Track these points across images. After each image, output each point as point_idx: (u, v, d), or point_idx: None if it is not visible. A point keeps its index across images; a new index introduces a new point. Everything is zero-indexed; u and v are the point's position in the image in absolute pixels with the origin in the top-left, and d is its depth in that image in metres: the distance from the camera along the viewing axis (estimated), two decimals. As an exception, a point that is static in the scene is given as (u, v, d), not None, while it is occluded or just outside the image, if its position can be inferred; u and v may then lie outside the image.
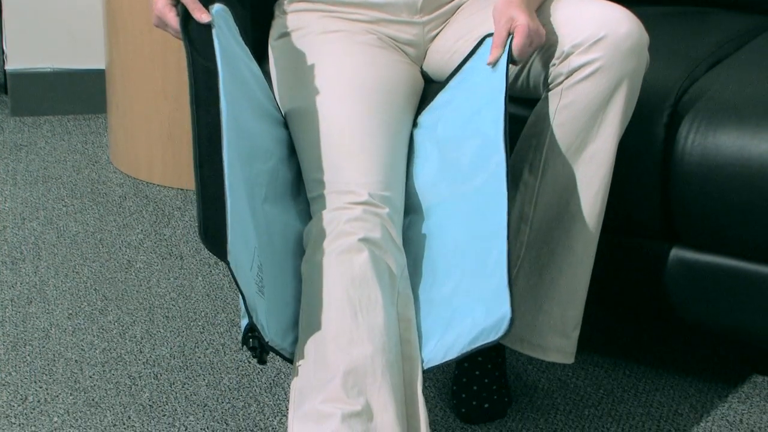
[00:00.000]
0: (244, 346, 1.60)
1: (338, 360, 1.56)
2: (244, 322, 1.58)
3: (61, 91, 3.31)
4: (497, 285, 1.55)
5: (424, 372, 1.62)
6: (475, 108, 1.72)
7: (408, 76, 1.86)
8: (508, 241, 1.55)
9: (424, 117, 1.85)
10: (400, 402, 1.57)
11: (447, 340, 1.61)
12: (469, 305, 1.60)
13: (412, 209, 1.79)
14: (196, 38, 1.67)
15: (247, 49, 1.81)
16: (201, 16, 1.65)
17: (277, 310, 1.67)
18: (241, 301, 1.56)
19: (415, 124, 1.85)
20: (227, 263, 1.49)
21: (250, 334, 1.58)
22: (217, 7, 1.72)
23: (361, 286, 1.61)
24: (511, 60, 1.68)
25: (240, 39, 1.79)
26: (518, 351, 1.87)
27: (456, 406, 1.93)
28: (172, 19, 1.67)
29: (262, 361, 1.61)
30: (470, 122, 1.72)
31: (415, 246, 1.75)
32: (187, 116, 2.75)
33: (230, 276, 1.65)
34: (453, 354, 1.58)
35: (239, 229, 1.56)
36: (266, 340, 1.59)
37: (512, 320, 1.50)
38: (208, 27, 1.67)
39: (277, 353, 1.66)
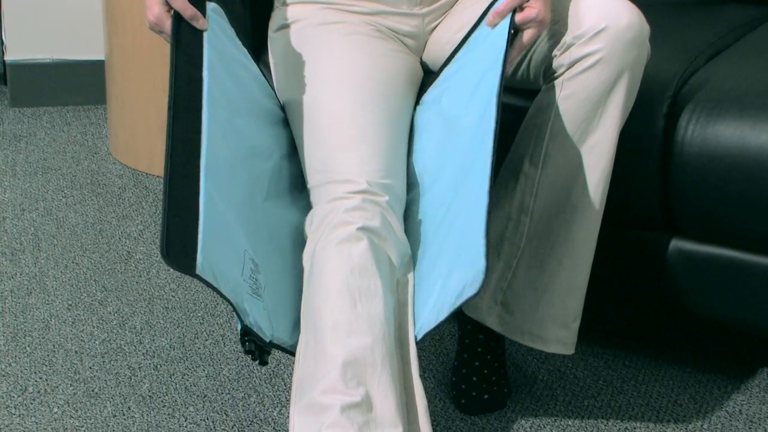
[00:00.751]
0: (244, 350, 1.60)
1: (337, 350, 1.56)
2: (239, 325, 1.57)
3: (60, 82, 3.30)
4: (475, 239, 1.54)
5: (417, 343, 1.61)
6: (480, 75, 1.70)
7: (407, 66, 1.86)
8: (489, 194, 1.53)
9: (429, 94, 1.84)
10: (399, 391, 1.57)
11: (437, 303, 1.60)
12: (453, 264, 1.59)
13: (414, 185, 1.78)
14: (186, 44, 1.63)
15: (245, 49, 1.80)
16: (200, 22, 1.65)
17: (282, 308, 1.67)
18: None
19: (418, 103, 1.84)
20: (195, 277, 1.47)
21: (246, 338, 1.57)
22: (211, 6, 1.70)
23: (360, 276, 1.60)
24: (513, 26, 1.65)
25: (236, 39, 1.78)
26: (518, 342, 1.87)
27: (455, 397, 1.93)
28: (169, 27, 1.65)
29: (263, 362, 1.61)
30: (476, 89, 1.70)
31: (415, 222, 1.74)
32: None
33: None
34: (443, 315, 1.57)
35: (221, 236, 1.55)
36: (267, 339, 1.59)
37: (486, 270, 1.49)
38: (200, 32, 1.65)
39: (285, 350, 1.65)
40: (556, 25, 1.71)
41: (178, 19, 1.63)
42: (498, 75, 1.60)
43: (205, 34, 1.66)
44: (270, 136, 1.80)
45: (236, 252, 1.58)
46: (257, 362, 1.62)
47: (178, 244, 1.49)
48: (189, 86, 1.61)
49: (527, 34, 1.67)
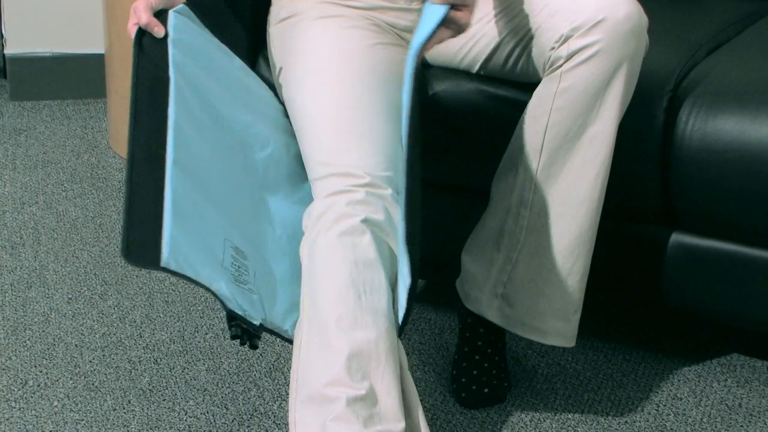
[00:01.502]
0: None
1: (342, 343, 1.56)
2: (225, 311, 1.59)
3: (60, 76, 3.30)
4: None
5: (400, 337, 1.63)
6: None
7: (405, 57, 1.86)
8: (407, 188, 1.55)
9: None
10: (399, 385, 1.58)
11: (401, 298, 1.62)
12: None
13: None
14: (150, 49, 1.72)
15: (223, 45, 1.86)
16: (155, 30, 1.73)
17: (275, 293, 1.68)
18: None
19: None
20: (161, 270, 1.51)
21: (232, 323, 1.59)
22: (178, 8, 1.78)
23: (365, 269, 1.61)
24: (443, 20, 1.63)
25: (211, 36, 1.84)
26: (519, 335, 1.87)
27: (455, 391, 1.93)
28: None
29: (253, 346, 1.62)
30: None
31: None
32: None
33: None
34: (402, 311, 1.60)
35: (194, 228, 1.58)
36: (256, 323, 1.60)
37: (412, 270, 1.54)
38: (163, 38, 1.73)
39: (277, 335, 1.67)
40: (553, 17, 1.71)
41: (140, 30, 1.74)
42: (410, 71, 1.60)
43: (169, 38, 1.73)
44: (266, 125, 1.82)
45: (214, 241, 1.61)
46: (246, 346, 1.63)
47: (139, 241, 1.53)
48: (152, 88, 1.68)
49: (444, 33, 1.65)
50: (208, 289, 1.54)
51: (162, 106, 1.66)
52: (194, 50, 1.78)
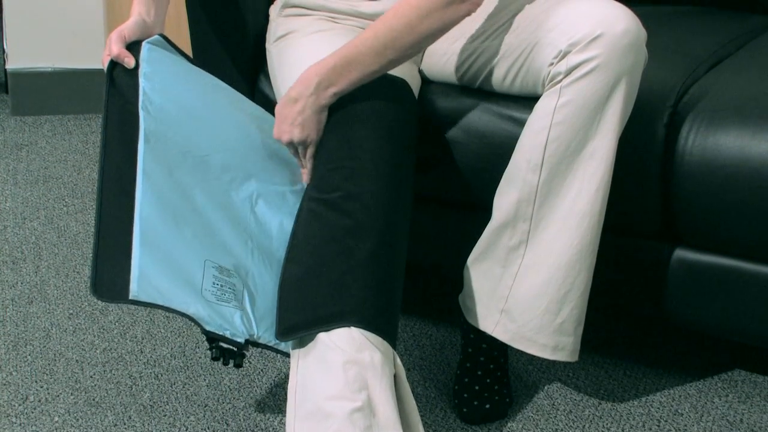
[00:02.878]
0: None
1: (338, 356, 1.57)
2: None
3: (62, 91, 3.31)
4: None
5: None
6: None
7: (404, 72, 1.87)
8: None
9: None
10: (394, 394, 1.59)
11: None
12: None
13: None
14: (121, 81, 1.75)
15: (202, 71, 1.88)
16: (125, 61, 1.76)
17: (268, 307, 1.69)
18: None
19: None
20: (130, 303, 1.53)
21: (212, 345, 1.61)
22: (152, 39, 1.81)
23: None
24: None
25: (189, 64, 1.85)
26: (522, 350, 1.87)
27: (457, 406, 1.93)
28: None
29: (237, 365, 1.64)
30: None
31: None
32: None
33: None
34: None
35: (167, 255, 1.60)
36: (241, 341, 1.61)
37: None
38: (134, 70, 1.75)
39: (271, 349, 1.67)
40: (551, 33, 1.72)
41: (112, 61, 1.76)
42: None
43: (140, 70, 1.75)
44: (261, 139, 1.83)
45: (190, 264, 1.63)
46: (232, 365, 1.65)
47: (109, 277, 1.56)
48: (121, 121, 1.71)
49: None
50: (182, 314, 1.56)
51: (132, 140, 1.68)
52: (168, 80, 1.77)
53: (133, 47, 1.78)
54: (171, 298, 1.56)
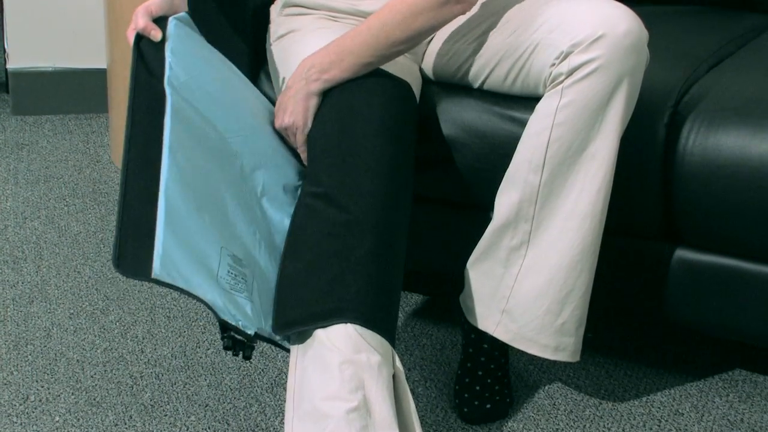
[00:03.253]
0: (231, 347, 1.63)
1: (335, 357, 1.57)
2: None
3: (62, 90, 3.31)
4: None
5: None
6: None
7: (404, 71, 1.87)
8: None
9: None
10: (392, 393, 1.59)
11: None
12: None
13: None
14: (148, 54, 1.74)
15: (222, 55, 1.87)
16: (152, 33, 1.76)
17: (271, 301, 1.69)
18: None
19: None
20: (153, 281, 1.51)
21: (225, 334, 1.59)
22: (179, 16, 1.80)
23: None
24: None
25: (210, 47, 1.85)
26: (523, 350, 1.87)
27: (458, 406, 1.93)
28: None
29: (246, 357, 1.63)
30: None
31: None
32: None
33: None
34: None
35: (187, 238, 1.58)
36: (250, 332, 1.60)
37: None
38: (160, 44, 1.75)
39: (274, 343, 1.67)
40: (553, 33, 1.72)
41: (138, 34, 1.76)
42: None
43: (167, 45, 1.75)
44: (267, 133, 1.83)
45: (209, 251, 1.61)
46: (240, 357, 1.63)
47: (132, 252, 1.53)
48: (149, 97, 1.69)
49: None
50: (200, 300, 1.55)
51: (158, 115, 1.66)
52: (193, 58, 1.77)
53: (160, 22, 1.78)
54: (190, 281, 1.54)
